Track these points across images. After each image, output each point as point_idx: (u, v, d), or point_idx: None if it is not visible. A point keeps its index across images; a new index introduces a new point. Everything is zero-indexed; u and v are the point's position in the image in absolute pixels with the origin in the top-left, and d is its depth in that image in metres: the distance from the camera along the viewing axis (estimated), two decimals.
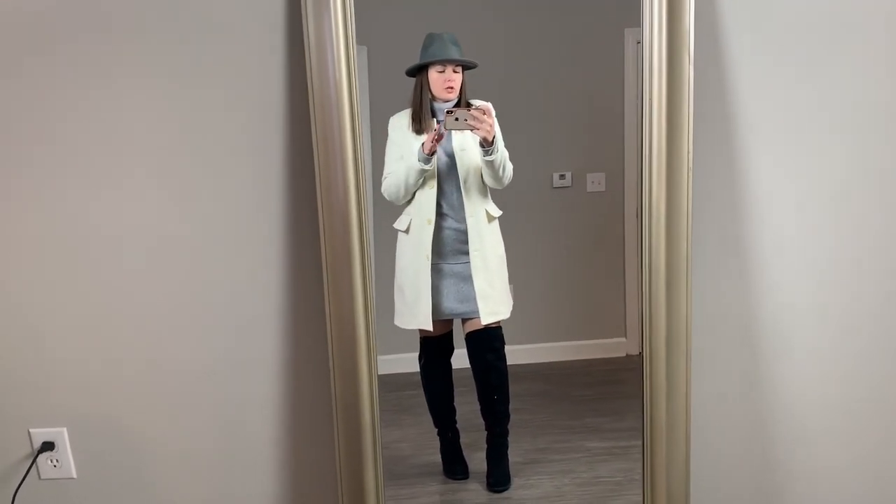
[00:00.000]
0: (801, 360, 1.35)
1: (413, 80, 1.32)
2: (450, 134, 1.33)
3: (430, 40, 1.29)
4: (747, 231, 1.31)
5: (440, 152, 1.33)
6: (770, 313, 1.33)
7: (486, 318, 1.36)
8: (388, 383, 1.43)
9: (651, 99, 1.19)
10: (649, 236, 1.21)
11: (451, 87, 1.31)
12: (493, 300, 1.36)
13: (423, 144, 1.30)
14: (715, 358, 1.34)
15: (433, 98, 1.32)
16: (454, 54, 1.30)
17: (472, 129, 1.27)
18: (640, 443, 1.27)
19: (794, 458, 1.38)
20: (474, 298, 1.35)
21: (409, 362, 1.43)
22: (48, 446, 1.36)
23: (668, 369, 1.24)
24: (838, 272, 1.32)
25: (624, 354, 1.47)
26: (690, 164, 1.19)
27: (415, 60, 1.31)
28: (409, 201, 1.34)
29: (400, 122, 1.34)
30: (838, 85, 1.26)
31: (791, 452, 1.38)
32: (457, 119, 1.26)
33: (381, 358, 1.42)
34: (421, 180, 1.32)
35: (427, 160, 1.30)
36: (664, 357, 1.24)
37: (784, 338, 1.34)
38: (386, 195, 1.33)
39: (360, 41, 1.22)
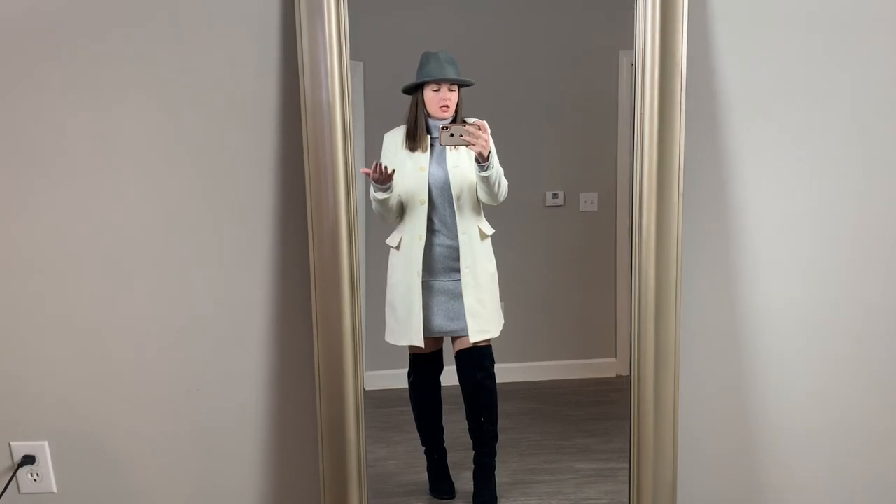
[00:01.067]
0: (791, 380, 1.35)
1: (409, 97, 1.32)
2: (443, 151, 1.33)
3: (426, 59, 1.30)
4: (737, 253, 1.31)
5: (435, 168, 1.33)
6: (759, 333, 1.34)
7: (475, 337, 1.35)
8: (377, 399, 1.42)
9: (643, 123, 1.19)
10: (639, 258, 1.22)
11: (447, 106, 1.31)
12: (482, 318, 1.36)
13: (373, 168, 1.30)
14: (703, 379, 1.34)
15: (429, 115, 1.32)
16: (450, 73, 1.30)
17: (468, 144, 1.27)
18: (627, 464, 1.26)
19: (782, 480, 1.38)
20: (464, 316, 1.35)
21: (398, 378, 1.42)
22: (29, 460, 1.34)
23: (655, 390, 1.24)
24: (826, 294, 1.33)
25: (614, 375, 1.47)
26: (681, 188, 1.20)
27: (411, 76, 1.31)
28: (402, 218, 1.34)
29: (394, 139, 1.34)
30: (831, 107, 1.28)
31: (778, 474, 1.38)
32: (452, 135, 1.27)
33: (370, 374, 1.41)
34: (394, 206, 1.33)
35: (381, 189, 1.30)
36: (652, 374, 1.24)
37: (773, 359, 1.34)
38: (375, 213, 1.33)
39: (356, 57, 1.22)
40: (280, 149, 1.26)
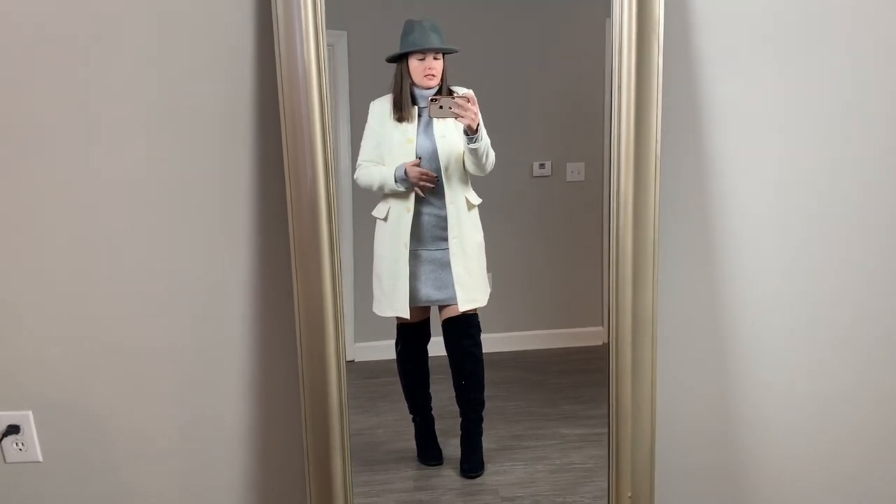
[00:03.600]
0: (767, 346, 1.37)
1: (393, 65, 1.31)
2: (430, 121, 1.32)
3: (409, 27, 1.28)
4: (716, 220, 1.32)
5: (422, 139, 1.32)
6: (737, 301, 1.35)
7: (464, 306, 1.36)
8: (366, 370, 1.42)
9: (620, 87, 1.19)
10: (617, 223, 1.22)
11: (433, 75, 1.30)
12: (470, 287, 1.36)
13: (405, 171, 1.31)
14: (681, 344, 1.36)
15: (414, 85, 1.31)
16: (435, 42, 1.29)
17: (457, 117, 1.27)
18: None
19: (758, 442, 1.41)
20: (452, 285, 1.35)
21: (387, 349, 1.42)
22: (13, 429, 1.33)
23: (633, 355, 1.25)
24: (806, 262, 1.34)
25: (601, 343, 1.48)
26: (658, 153, 1.20)
27: (395, 44, 1.30)
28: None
29: (381, 108, 1.33)
30: (808, 79, 1.28)
31: (755, 436, 1.40)
32: (441, 107, 1.26)
33: (359, 345, 1.41)
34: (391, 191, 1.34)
35: (403, 183, 1.31)
36: (630, 343, 1.25)
37: (750, 325, 1.36)
38: (359, 183, 1.33)
39: (339, 26, 1.21)
40: (258, 120, 1.24)
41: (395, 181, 1.31)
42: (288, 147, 1.18)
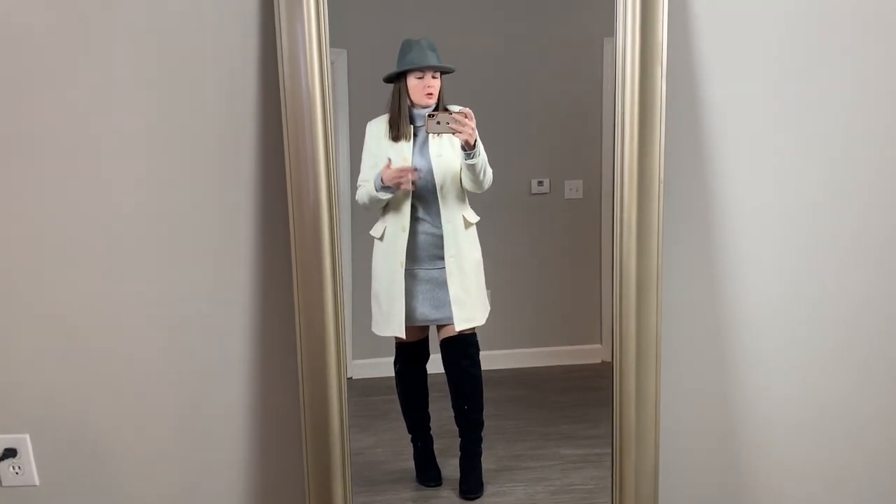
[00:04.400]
0: (770, 367, 1.36)
1: (390, 85, 1.31)
2: (426, 140, 1.32)
3: (407, 47, 1.29)
4: (717, 240, 1.32)
5: (419, 158, 1.32)
6: (739, 321, 1.35)
7: (461, 325, 1.35)
8: (365, 388, 1.42)
9: (623, 111, 1.19)
10: (620, 247, 1.22)
11: (431, 94, 1.30)
12: (468, 306, 1.36)
13: (381, 177, 1.30)
14: (684, 365, 1.35)
15: (412, 104, 1.31)
16: (432, 60, 1.29)
17: (454, 132, 1.27)
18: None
19: (761, 464, 1.40)
20: (449, 304, 1.35)
21: (385, 367, 1.42)
22: (10, 453, 1.33)
23: (637, 377, 1.25)
24: (806, 282, 1.34)
25: (599, 361, 1.47)
26: (662, 177, 1.20)
27: (394, 63, 1.30)
28: (385, 208, 1.33)
29: (377, 129, 1.33)
30: (809, 97, 1.28)
31: (758, 458, 1.40)
32: (438, 122, 1.26)
33: (357, 362, 1.41)
34: (384, 203, 1.32)
35: (386, 190, 1.30)
36: (634, 364, 1.25)
37: (752, 345, 1.36)
38: (359, 203, 1.33)
39: (339, 44, 1.21)
40: (261, 139, 1.25)
41: (377, 190, 1.30)
42: (291, 167, 1.18)
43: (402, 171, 1.30)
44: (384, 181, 1.30)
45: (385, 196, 1.30)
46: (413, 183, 1.30)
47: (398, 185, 1.30)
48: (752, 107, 1.28)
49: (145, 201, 1.26)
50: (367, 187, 1.31)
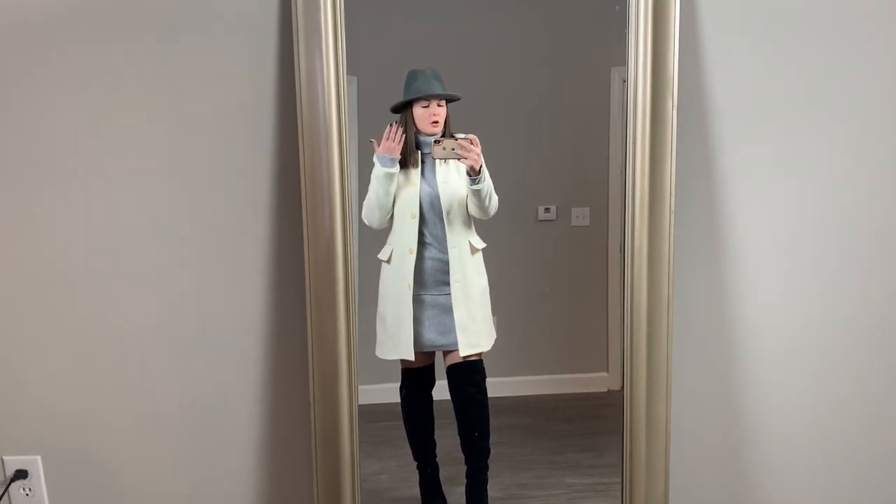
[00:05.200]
0: (780, 398, 1.35)
1: (397, 115, 1.33)
2: (433, 166, 1.34)
3: (412, 77, 1.31)
4: (728, 269, 1.32)
5: (425, 183, 1.33)
6: (750, 351, 1.33)
7: (465, 350, 1.35)
8: (370, 414, 1.41)
9: (635, 142, 1.21)
10: (631, 276, 1.22)
11: (437, 121, 1.32)
12: (472, 332, 1.36)
13: (378, 153, 1.29)
14: (695, 396, 1.34)
15: (418, 132, 1.33)
16: (437, 89, 1.31)
17: (460, 157, 1.29)
18: (620, 479, 1.26)
19: (775, 496, 1.37)
20: (455, 330, 1.35)
21: (390, 392, 1.41)
22: (21, 474, 1.34)
23: (648, 406, 1.24)
24: (819, 315, 1.33)
25: (606, 389, 1.46)
26: (672, 207, 1.21)
27: (402, 91, 1.32)
28: (391, 230, 1.35)
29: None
30: (819, 132, 1.29)
31: (771, 490, 1.37)
32: (444, 148, 1.28)
33: (362, 388, 1.40)
34: (392, 188, 1.31)
35: (389, 162, 1.30)
36: (644, 394, 1.24)
37: (763, 375, 1.34)
38: (365, 220, 1.34)
39: (350, 71, 1.24)
40: (277, 165, 1.27)
41: (382, 165, 1.30)
42: (307, 193, 1.21)
43: (390, 131, 1.29)
44: (380, 149, 1.29)
45: (390, 168, 1.30)
46: (402, 140, 1.29)
47: (395, 150, 1.29)
48: (763, 138, 1.28)
49: (160, 226, 1.29)
50: (367, 198, 1.32)
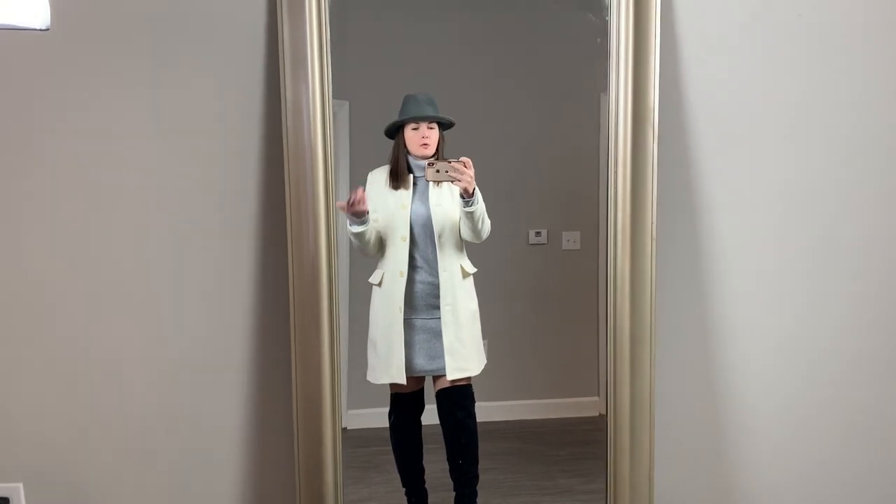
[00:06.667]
0: (765, 421, 1.36)
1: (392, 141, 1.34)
2: (426, 189, 1.34)
3: (406, 100, 1.33)
4: (709, 295, 1.33)
5: (417, 206, 1.34)
6: (733, 376, 1.35)
7: (452, 374, 1.34)
8: (358, 438, 1.40)
9: (616, 171, 1.23)
10: (614, 301, 1.23)
11: (426, 144, 1.33)
12: (461, 356, 1.35)
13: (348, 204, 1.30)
14: (679, 421, 1.34)
15: (410, 154, 1.34)
16: (427, 111, 1.33)
17: (453, 180, 1.29)
18: None
19: None
20: (443, 354, 1.34)
21: (379, 417, 1.40)
22: (3, 502, 1.32)
23: (631, 431, 1.25)
24: (798, 338, 1.35)
25: (597, 413, 1.45)
26: (654, 234, 1.22)
27: (395, 114, 1.33)
28: (383, 255, 1.35)
29: (378, 178, 1.35)
30: (798, 156, 1.31)
31: None
32: (437, 171, 1.29)
33: (351, 412, 1.40)
34: (371, 240, 1.33)
35: (357, 222, 1.31)
36: (628, 418, 1.25)
37: (750, 402, 1.35)
38: (353, 247, 1.34)
39: (342, 96, 1.25)
40: (262, 191, 1.28)
41: (350, 225, 1.31)
42: (291, 218, 1.21)
43: (351, 198, 1.29)
44: (345, 211, 1.30)
45: (357, 229, 1.31)
46: (361, 200, 1.28)
47: (357, 211, 1.29)
48: (742, 167, 1.31)
49: (143, 251, 1.28)
50: (349, 236, 1.33)
